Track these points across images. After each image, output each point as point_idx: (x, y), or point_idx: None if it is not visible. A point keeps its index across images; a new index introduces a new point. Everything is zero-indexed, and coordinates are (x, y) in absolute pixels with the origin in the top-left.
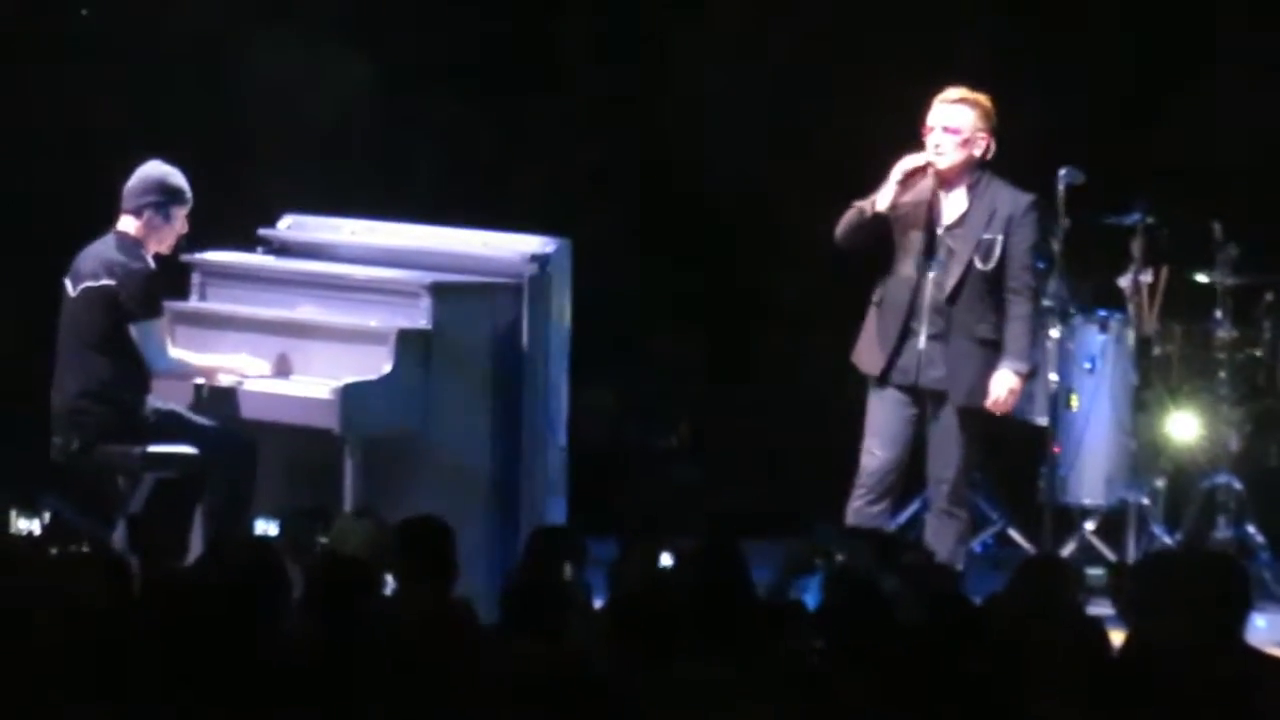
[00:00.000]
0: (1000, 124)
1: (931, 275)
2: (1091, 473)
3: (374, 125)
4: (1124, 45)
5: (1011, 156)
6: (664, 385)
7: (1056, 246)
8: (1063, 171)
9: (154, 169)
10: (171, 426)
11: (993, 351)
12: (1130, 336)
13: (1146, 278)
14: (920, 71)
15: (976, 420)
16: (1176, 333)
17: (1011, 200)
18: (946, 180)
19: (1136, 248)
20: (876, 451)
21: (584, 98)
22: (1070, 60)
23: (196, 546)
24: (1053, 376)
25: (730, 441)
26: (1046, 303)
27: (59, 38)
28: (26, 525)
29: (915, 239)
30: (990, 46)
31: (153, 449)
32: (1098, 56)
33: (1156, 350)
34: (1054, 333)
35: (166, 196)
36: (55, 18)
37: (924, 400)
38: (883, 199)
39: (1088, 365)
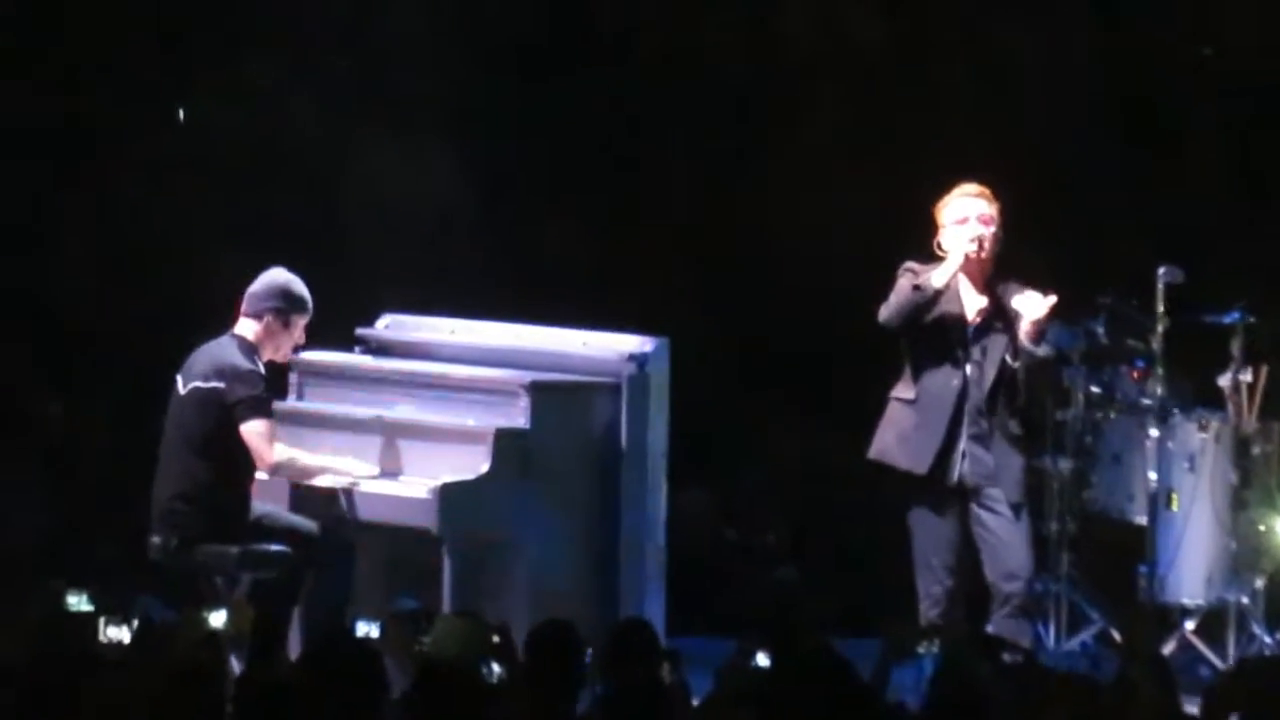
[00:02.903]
0: (1101, 222)
1: (969, 373)
2: (1191, 572)
3: (473, 226)
4: (1223, 144)
5: (1112, 255)
6: (763, 485)
7: (1156, 345)
8: (1162, 270)
9: (279, 275)
10: (270, 526)
11: (1023, 446)
12: (1230, 435)
13: (1246, 376)
14: (1018, 174)
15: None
16: (1276, 431)
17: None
18: (973, 274)
19: (1236, 346)
20: (934, 560)
21: (684, 198)
22: (1170, 158)
23: (295, 647)
24: (1152, 475)
25: (828, 541)
26: (1145, 402)
27: (158, 140)
28: (116, 634)
29: (949, 334)
30: (1089, 146)
31: (251, 548)
32: (1197, 155)
33: (1256, 449)
34: (1153, 432)
35: (289, 304)
36: (154, 121)
37: (966, 499)
38: (940, 277)
39: (1187, 464)
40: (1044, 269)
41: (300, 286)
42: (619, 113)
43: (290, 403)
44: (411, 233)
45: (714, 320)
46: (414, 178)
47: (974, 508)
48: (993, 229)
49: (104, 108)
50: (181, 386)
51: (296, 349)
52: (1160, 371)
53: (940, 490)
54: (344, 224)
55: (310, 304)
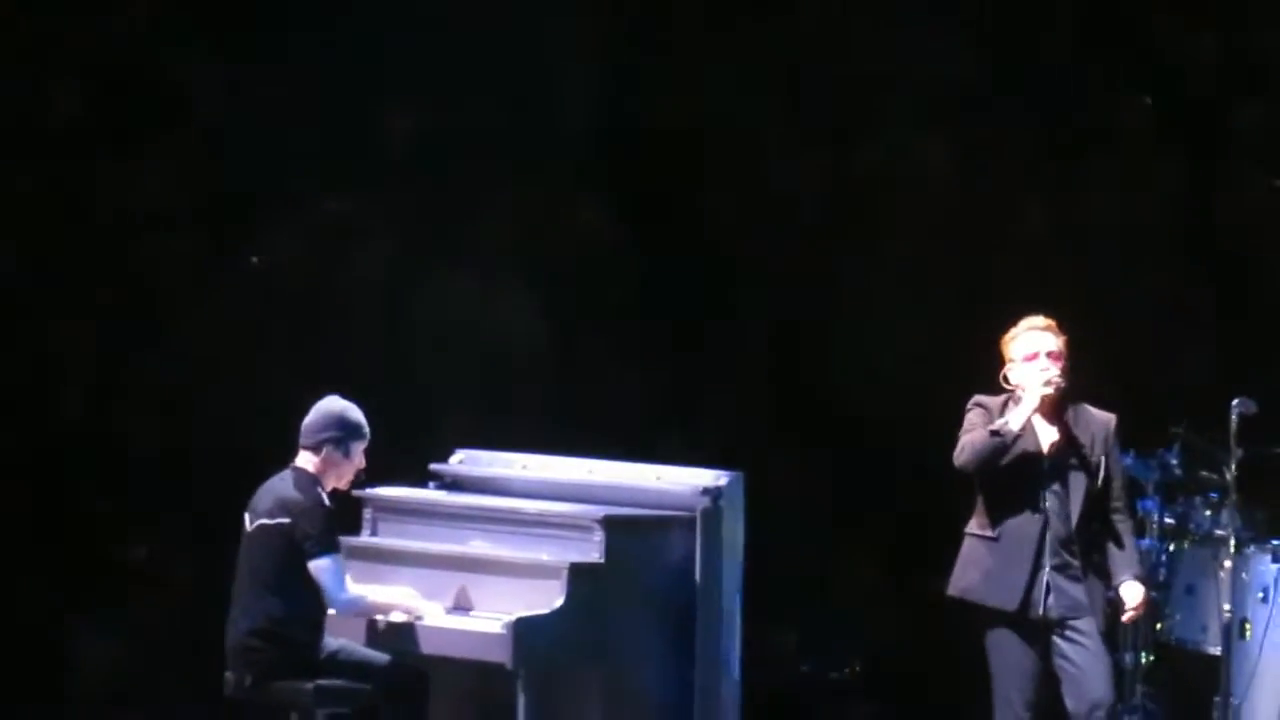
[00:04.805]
0: (1175, 356)
1: (1050, 506)
2: (1265, 703)
3: (546, 361)
4: None
5: (1185, 388)
6: (838, 619)
7: (1230, 476)
8: (1236, 401)
9: (333, 404)
10: (344, 661)
11: (1104, 573)
12: None
13: None
14: (1090, 304)
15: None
16: None
17: (1101, 420)
18: (1045, 407)
19: None
20: (1014, 695)
21: (756, 331)
22: (1238, 289)
23: None
24: (1226, 606)
25: (905, 675)
26: (1219, 532)
27: (231, 284)
28: None
29: (1027, 469)
30: (1163, 278)
31: (325, 684)
32: (1266, 285)
33: None
34: (1227, 563)
35: (345, 432)
36: (227, 264)
37: (1048, 632)
38: (1018, 420)
39: (1261, 595)
40: (1116, 399)
41: (355, 412)
42: (690, 247)
43: (364, 538)
44: (484, 368)
45: (788, 453)
46: (486, 313)
47: (1056, 640)
48: (1064, 361)
49: (176, 249)
50: (249, 524)
51: (359, 475)
52: (1234, 502)
53: (1023, 624)
54: (417, 359)
55: (367, 429)
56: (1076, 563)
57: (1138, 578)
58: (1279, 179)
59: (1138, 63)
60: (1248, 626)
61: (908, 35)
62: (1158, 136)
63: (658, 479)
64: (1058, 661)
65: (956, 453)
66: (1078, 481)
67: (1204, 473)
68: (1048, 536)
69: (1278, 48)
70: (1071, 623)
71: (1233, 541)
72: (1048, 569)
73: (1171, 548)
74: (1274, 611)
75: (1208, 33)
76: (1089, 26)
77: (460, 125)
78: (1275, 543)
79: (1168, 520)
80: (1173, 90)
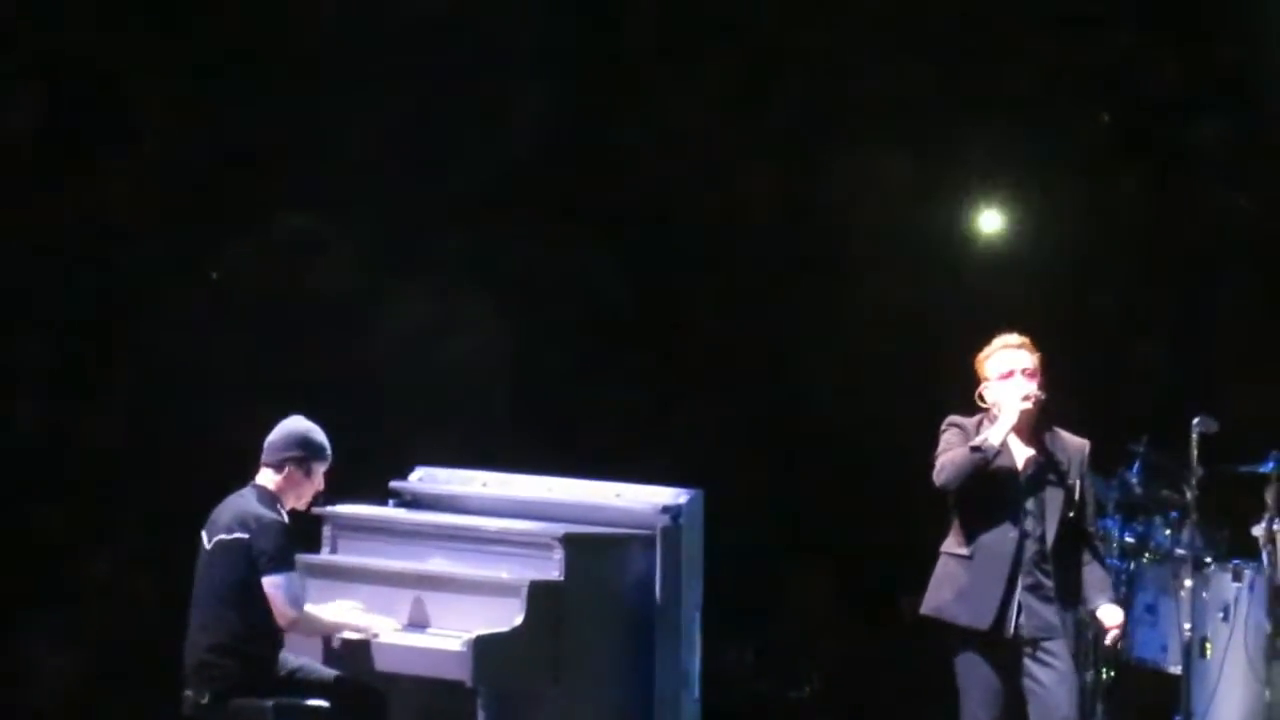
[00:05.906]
0: (1136, 373)
1: (1028, 528)
2: None
3: (506, 379)
4: (1254, 291)
5: (1143, 406)
6: (797, 637)
7: (1190, 495)
8: (1196, 420)
9: (297, 424)
10: (303, 680)
11: (1075, 595)
12: (1264, 585)
13: None
14: (1054, 324)
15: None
16: None
17: (1076, 445)
18: (1020, 425)
19: (1271, 495)
20: (982, 714)
21: (716, 351)
22: (1202, 308)
23: None
24: (1186, 625)
25: (864, 693)
26: (1179, 551)
27: (190, 298)
28: None
29: (1002, 487)
30: (1123, 296)
31: (283, 702)
32: (1229, 304)
33: None
34: (1188, 581)
35: (308, 452)
36: (186, 280)
37: (1018, 652)
38: (997, 436)
39: (1221, 614)
40: (1079, 417)
41: (319, 434)
42: (652, 268)
43: (323, 556)
44: (444, 386)
45: (748, 472)
46: (447, 331)
47: (1025, 660)
48: (1040, 378)
49: (138, 266)
50: (207, 541)
51: (318, 496)
52: (1194, 520)
53: (995, 644)
54: (377, 377)
55: (329, 450)
56: (1050, 583)
57: (1113, 601)
58: (1244, 198)
59: (1101, 78)
60: (1208, 645)
61: (870, 54)
62: (1119, 152)
63: (617, 496)
64: (1025, 681)
65: (936, 472)
66: (1053, 502)
67: (1164, 491)
68: (1022, 556)
69: (1241, 62)
70: (1043, 643)
71: (1193, 560)
72: (1021, 589)
73: (1132, 566)
74: (1234, 630)
75: (1170, 47)
76: (1052, 43)
77: (423, 141)
78: (1235, 561)
79: (1128, 539)
80: (1135, 105)
